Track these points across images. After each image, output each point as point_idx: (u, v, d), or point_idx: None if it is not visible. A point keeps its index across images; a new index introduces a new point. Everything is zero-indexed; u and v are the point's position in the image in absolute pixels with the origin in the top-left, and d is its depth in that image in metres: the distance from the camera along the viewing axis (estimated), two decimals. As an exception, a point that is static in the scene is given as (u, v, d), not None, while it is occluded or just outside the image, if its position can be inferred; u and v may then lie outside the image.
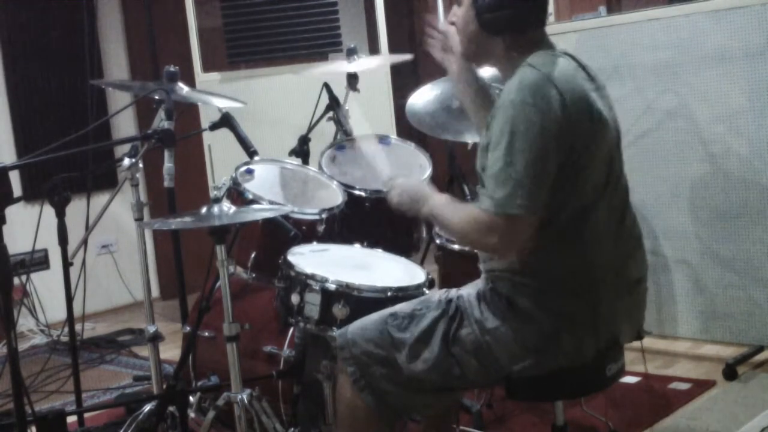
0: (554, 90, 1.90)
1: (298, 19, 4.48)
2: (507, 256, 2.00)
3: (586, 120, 1.93)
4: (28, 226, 3.07)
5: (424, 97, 3.20)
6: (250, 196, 2.73)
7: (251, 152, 3.04)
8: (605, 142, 1.98)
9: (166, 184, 2.86)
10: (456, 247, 2.85)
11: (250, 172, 2.85)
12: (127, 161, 2.79)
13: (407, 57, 3.57)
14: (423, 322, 2.08)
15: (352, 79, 3.51)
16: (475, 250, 2.15)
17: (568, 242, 1.96)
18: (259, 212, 2.59)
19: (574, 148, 1.91)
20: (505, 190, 1.86)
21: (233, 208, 2.45)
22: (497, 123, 1.91)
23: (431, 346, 2.06)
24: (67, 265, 2.84)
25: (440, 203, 2.09)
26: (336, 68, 3.48)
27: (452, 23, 2.13)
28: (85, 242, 3.18)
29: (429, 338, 2.06)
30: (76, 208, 3.27)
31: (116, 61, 5.51)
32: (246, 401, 2.41)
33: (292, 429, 2.56)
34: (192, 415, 2.67)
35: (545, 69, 1.94)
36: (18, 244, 4.36)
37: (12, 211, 2.03)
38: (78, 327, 3.50)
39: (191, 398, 2.71)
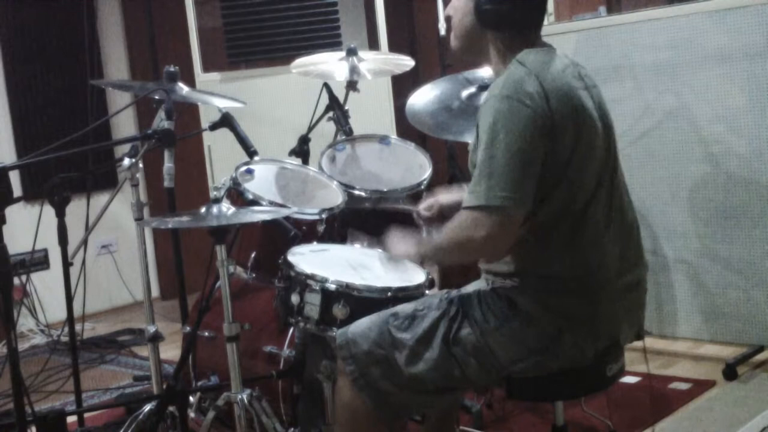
0: (538, 86, 1.91)
1: (298, 19, 4.48)
2: (499, 253, 2.00)
3: (571, 117, 1.93)
4: (28, 226, 3.07)
5: (424, 97, 3.19)
6: (250, 196, 2.72)
7: (251, 152, 3.03)
8: (595, 140, 1.98)
9: (166, 184, 2.86)
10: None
11: (250, 172, 2.84)
12: (127, 161, 2.78)
13: (409, 61, 3.57)
14: (424, 323, 2.08)
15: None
16: (471, 257, 2.14)
17: (567, 242, 1.97)
18: (258, 213, 2.59)
19: (561, 144, 1.92)
20: (487, 183, 1.87)
21: (233, 209, 2.45)
22: (483, 119, 1.93)
23: (432, 346, 2.06)
24: (67, 265, 2.84)
25: (429, 238, 2.16)
26: (336, 67, 3.47)
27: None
28: (85, 242, 3.18)
29: (430, 339, 2.06)
30: (76, 208, 3.28)
31: (116, 61, 5.50)
32: (246, 401, 2.41)
33: (292, 429, 2.56)
34: (192, 415, 2.67)
35: (532, 66, 1.96)
36: (18, 244, 4.36)
37: (12, 211, 2.03)
38: (78, 327, 3.50)
39: (191, 398, 2.71)
